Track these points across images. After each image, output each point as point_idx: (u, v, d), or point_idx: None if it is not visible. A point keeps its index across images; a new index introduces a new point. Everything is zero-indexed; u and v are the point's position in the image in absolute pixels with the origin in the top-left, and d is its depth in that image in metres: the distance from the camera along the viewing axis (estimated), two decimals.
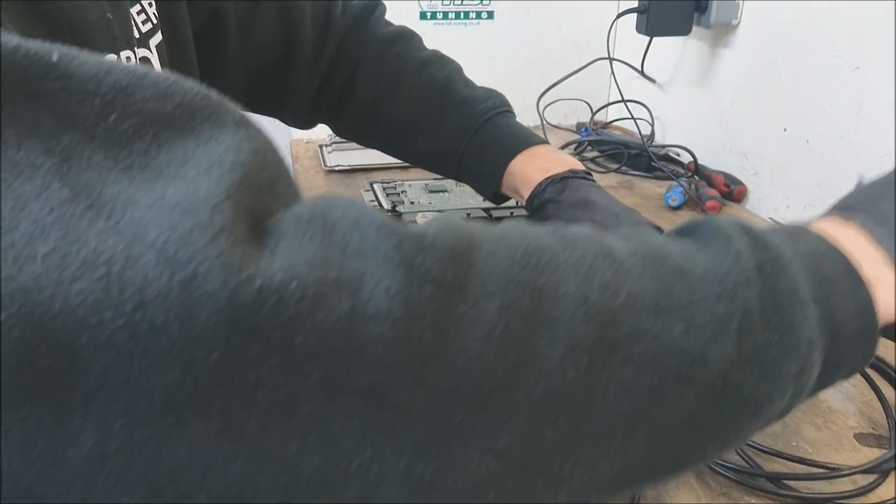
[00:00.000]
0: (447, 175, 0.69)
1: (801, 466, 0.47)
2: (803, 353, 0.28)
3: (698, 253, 0.29)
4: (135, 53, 0.40)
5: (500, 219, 0.79)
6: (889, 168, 0.39)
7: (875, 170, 0.76)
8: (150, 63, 0.46)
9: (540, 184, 0.60)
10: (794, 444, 0.50)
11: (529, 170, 0.62)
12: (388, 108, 0.66)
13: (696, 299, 0.26)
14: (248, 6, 0.62)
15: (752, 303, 0.27)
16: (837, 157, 0.81)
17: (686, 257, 0.28)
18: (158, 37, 0.47)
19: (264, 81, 0.66)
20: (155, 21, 0.47)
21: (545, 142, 0.66)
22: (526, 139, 0.64)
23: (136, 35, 0.44)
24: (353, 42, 0.66)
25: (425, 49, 0.69)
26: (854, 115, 0.78)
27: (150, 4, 0.46)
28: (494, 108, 0.64)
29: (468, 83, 0.67)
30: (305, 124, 0.72)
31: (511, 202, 0.83)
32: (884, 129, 0.74)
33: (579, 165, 0.64)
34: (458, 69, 0.69)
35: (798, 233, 0.33)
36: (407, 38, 0.68)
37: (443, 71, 0.66)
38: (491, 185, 0.65)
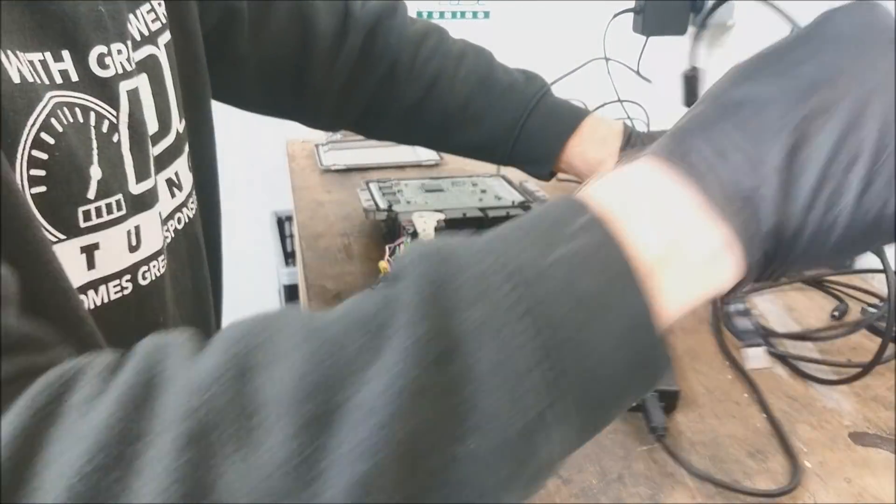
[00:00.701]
0: (496, 162, 0.73)
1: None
2: (519, 446, 0.23)
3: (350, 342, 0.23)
4: (127, 47, 0.40)
5: (496, 219, 0.79)
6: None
7: None
8: (158, 60, 0.46)
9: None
10: (787, 444, 0.50)
11: (587, 151, 0.67)
12: (433, 104, 0.67)
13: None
14: (261, 5, 0.62)
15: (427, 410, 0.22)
16: None
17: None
18: (167, 35, 0.47)
19: (282, 81, 0.66)
20: (164, 20, 0.47)
21: (587, 112, 0.71)
22: (572, 118, 0.67)
23: (146, 32, 0.44)
24: (383, 40, 0.66)
25: (456, 40, 0.70)
26: None
27: (159, 4, 0.46)
28: (538, 91, 0.67)
29: (505, 69, 0.70)
30: (331, 125, 0.72)
31: (507, 202, 0.84)
32: None
33: (619, 126, 0.69)
34: (491, 56, 0.71)
35: (561, 226, 0.25)
36: (436, 32, 0.69)
37: (480, 60, 0.68)
38: (546, 168, 0.70)
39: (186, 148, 0.50)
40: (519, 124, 0.66)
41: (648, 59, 1.15)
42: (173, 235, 0.48)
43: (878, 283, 0.74)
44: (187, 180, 0.50)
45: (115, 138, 0.39)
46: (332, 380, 0.22)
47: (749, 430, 0.52)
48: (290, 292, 1.60)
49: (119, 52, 0.39)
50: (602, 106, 1.27)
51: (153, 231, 0.42)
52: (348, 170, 1.05)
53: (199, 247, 0.53)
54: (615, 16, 1.09)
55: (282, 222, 1.84)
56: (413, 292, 0.23)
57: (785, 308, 0.69)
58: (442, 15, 1.22)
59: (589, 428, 0.26)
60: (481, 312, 0.23)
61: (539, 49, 1.28)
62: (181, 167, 0.49)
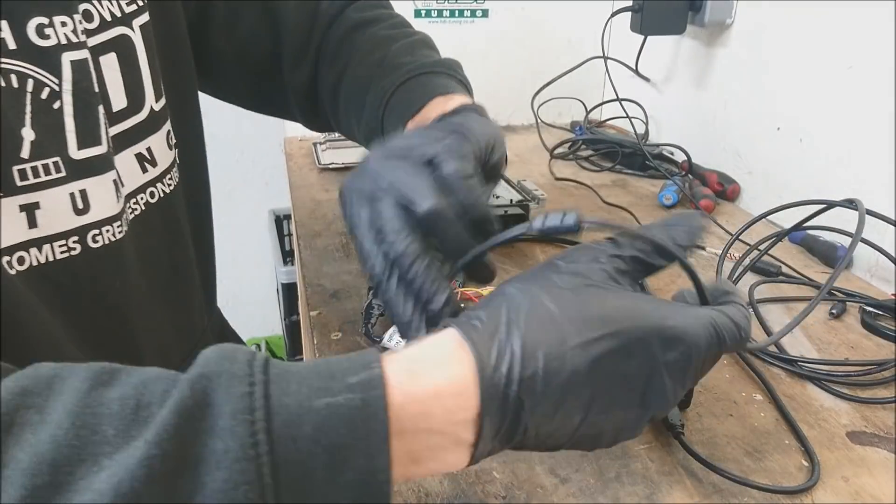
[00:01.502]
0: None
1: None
2: None
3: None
4: (74, 20, 0.42)
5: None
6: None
7: (872, 170, 0.76)
8: (130, 40, 0.47)
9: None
10: (786, 442, 0.50)
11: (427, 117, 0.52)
12: (340, 89, 0.62)
13: None
14: (233, 4, 0.62)
15: None
16: (831, 156, 0.81)
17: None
18: (144, 17, 0.49)
19: (263, 80, 0.66)
20: (142, 3, 0.48)
21: (466, 94, 0.56)
22: (434, 90, 0.54)
23: (118, 14, 0.46)
24: (345, 33, 0.63)
25: (402, 28, 0.64)
26: (848, 115, 0.78)
27: None
28: (419, 69, 0.57)
29: (415, 52, 0.60)
30: (318, 125, 0.69)
31: (505, 200, 0.83)
32: (878, 128, 0.74)
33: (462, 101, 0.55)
34: (419, 42, 0.62)
35: (344, 375, 0.28)
36: (387, 18, 0.64)
37: (393, 44, 0.60)
38: None
39: (166, 126, 0.52)
40: (384, 103, 0.56)
41: (647, 57, 1.15)
42: (143, 208, 0.50)
43: (877, 283, 0.74)
44: (164, 157, 0.52)
45: (55, 105, 0.41)
46: (74, 458, 0.24)
47: (747, 429, 0.52)
48: (288, 291, 1.59)
49: (63, 24, 0.41)
50: (601, 105, 1.27)
51: (105, 197, 0.44)
52: (346, 168, 1.05)
53: (178, 223, 0.54)
54: (613, 14, 1.09)
55: (280, 221, 1.84)
56: (174, 410, 0.25)
57: (784, 309, 0.69)
58: (441, 13, 1.22)
59: None
60: (223, 445, 0.25)
61: (538, 48, 1.28)
62: (156, 143, 0.50)
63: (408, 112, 0.53)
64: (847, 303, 0.69)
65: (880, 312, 0.66)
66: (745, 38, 0.95)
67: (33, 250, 0.40)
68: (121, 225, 0.46)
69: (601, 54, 1.16)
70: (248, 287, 1.94)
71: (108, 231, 0.44)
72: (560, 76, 1.20)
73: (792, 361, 0.59)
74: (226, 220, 1.89)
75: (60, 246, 0.42)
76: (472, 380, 0.29)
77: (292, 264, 1.67)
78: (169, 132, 0.53)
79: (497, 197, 0.85)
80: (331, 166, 1.05)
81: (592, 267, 0.34)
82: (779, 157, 0.90)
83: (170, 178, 0.53)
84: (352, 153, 1.12)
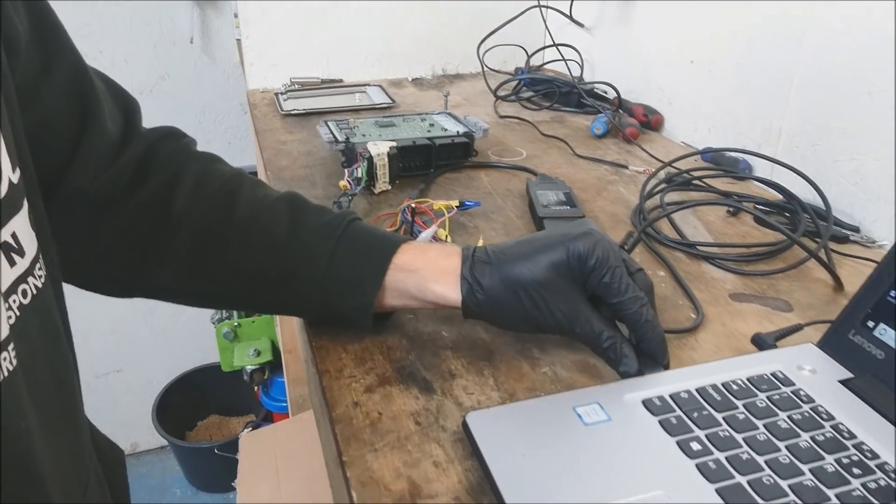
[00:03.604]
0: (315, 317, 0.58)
1: None
2: None
3: None
4: None
5: (442, 146, 0.89)
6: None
7: (770, 93, 0.88)
8: None
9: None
10: (680, 302, 0.62)
11: (429, 256, 0.53)
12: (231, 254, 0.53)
13: None
14: (35, 73, 0.46)
15: None
16: (735, 82, 0.93)
17: None
18: None
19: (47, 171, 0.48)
20: None
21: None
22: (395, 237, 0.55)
23: None
24: (170, 158, 0.55)
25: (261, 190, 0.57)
26: (744, 43, 0.90)
27: None
28: (346, 216, 0.55)
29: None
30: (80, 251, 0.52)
31: (452, 132, 0.93)
32: (775, 55, 0.86)
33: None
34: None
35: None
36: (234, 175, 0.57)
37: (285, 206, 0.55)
38: (372, 290, 0.52)
39: (25, 203, 0.38)
40: (329, 251, 0.53)
41: (581, 4, 1.25)
42: (18, 314, 0.35)
43: (766, 187, 0.86)
44: (30, 242, 0.38)
45: None
46: None
47: None
48: None
49: None
50: (541, 49, 1.37)
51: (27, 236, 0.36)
52: (308, 114, 1.13)
53: (54, 323, 0.40)
54: None
55: None
56: None
57: (690, 211, 0.81)
58: None
59: None
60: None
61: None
62: (20, 227, 0.37)
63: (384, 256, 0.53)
64: (743, 204, 0.81)
65: (770, 210, 0.78)
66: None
67: None
68: (13, 347, 0.34)
69: (537, 3, 1.25)
70: None
71: (4, 359, 0.33)
72: (502, 25, 1.29)
73: (691, 245, 0.71)
74: None
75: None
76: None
77: None
78: (29, 210, 0.38)
79: (445, 130, 0.94)
80: (293, 112, 1.13)
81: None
82: (693, 88, 1.01)
83: (40, 269, 0.39)
84: (312, 102, 1.20)
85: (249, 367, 1.83)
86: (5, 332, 0.33)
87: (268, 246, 0.53)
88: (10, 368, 0.34)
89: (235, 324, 1.83)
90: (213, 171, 0.56)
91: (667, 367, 0.50)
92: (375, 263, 0.52)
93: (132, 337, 2.18)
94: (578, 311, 0.50)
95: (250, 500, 1.15)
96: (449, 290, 0.51)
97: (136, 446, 2.34)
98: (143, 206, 0.53)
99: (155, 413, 2.10)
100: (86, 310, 1.72)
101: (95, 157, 0.51)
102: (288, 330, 1.51)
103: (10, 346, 0.34)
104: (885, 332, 0.48)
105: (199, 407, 2.28)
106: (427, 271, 0.52)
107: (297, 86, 1.28)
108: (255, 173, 1.73)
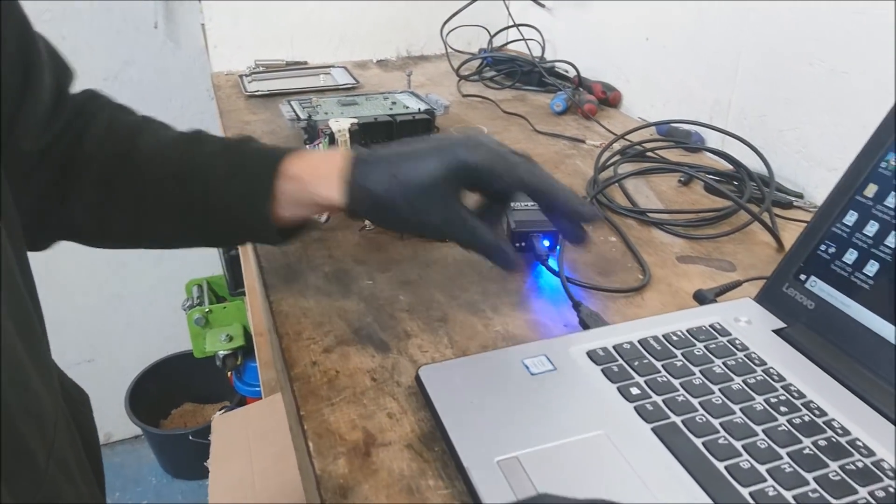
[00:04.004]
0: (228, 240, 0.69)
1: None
2: None
3: None
4: None
5: (403, 123, 0.90)
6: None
7: (720, 66, 0.90)
8: None
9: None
10: (629, 265, 0.65)
11: (313, 162, 0.54)
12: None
13: None
14: None
15: None
16: (687, 57, 0.95)
17: None
18: None
19: None
20: None
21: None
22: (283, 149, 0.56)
23: None
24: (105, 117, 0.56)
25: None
26: (695, 19, 0.92)
27: None
28: (245, 140, 0.58)
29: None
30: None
31: (414, 109, 0.95)
32: (724, 30, 0.88)
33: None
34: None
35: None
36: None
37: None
38: (264, 202, 0.53)
39: None
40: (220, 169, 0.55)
41: None
42: None
43: (716, 157, 0.89)
44: None
45: None
46: None
47: (601, 259, 0.66)
48: None
49: None
50: (504, 29, 1.38)
51: None
52: (271, 95, 1.14)
53: (12, 276, 0.40)
54: None
55: None
56: None
57: (643, 179, 0.83)
58: None
59: None
60: None
61: None
62: None
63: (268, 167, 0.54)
64: (696, 176, 0.83)
65: (720, 179, 0.81)
66: None
67: None
68: None
69: None
70: None
71: None
72: (465, 6, 1.31)
73: (642, 212, 0.73)
74: None
75: None
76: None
77: None
78: None
79: (407, 107, 0.96)
80: (257, 93, 1.14)
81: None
82: (649, 64, 1.04)
83: None
84: (275, 83, 1.21)
85: (222, 353, 1.84)
86: None
87: (170, 176, 0.55)
88: None
89: (206, 310, 1.83)
90: (122, 116, 0.58)
91: (592, 217, 0.52)
92: (263, 177, 0.54)
93: (103, 326, 2.16)
94: (460, 217, 0.51)
95: (223, 478, 1.16)
96: (332, 192, 0.52)
97: (109, 436, 2.33)
98: (61, 152, 0.54)
99: (128, 402, 2.10)
100: (55, 300, 1.71)
101: (31, 124, 0.51)
102: (259, 314, 1.52)
103: None
104: (815, 284, 0.51)
105: (173, 395, 2.27)
106: (311, 176, 0.53)
107: (261, 68, 1.28)
108: None
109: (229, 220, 0.55)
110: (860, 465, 0.40)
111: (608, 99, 1.10)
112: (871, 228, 0.48)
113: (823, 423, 0.43)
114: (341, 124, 0.83)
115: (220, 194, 0.54)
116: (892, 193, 0.48)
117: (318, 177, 0.53)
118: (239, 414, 1.38)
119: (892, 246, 0.47)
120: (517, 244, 0.65)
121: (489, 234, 0.52)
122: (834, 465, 0.40)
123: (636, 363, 0.47)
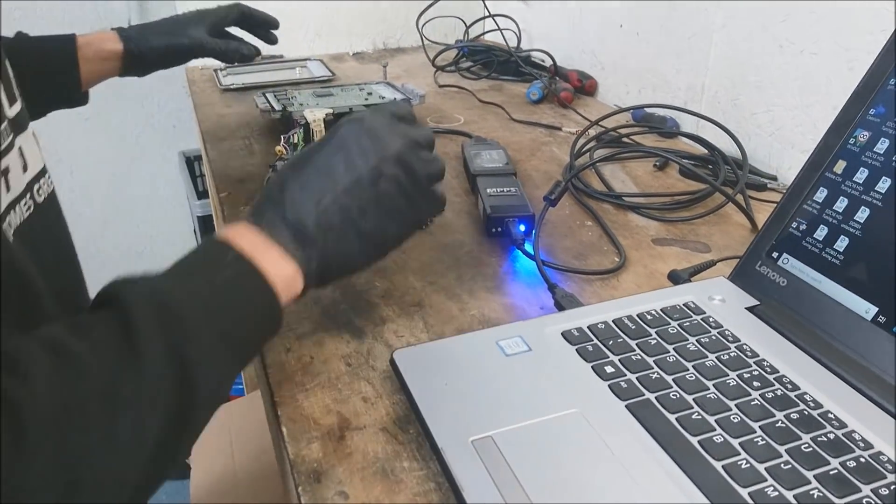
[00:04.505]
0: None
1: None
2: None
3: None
4: None
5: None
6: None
7: (693, 51, 0.91)
8: None
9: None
10: (605, 248, 0.65)
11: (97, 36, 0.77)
12: None
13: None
14: None
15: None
16: (660, 43, 0.96)
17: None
18: None
19: None
20: None
21: None
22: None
23: None
24: None
25: None
26: (667, 4, 0.93)
27: None
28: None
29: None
30: None
31: (389, 99, 0.94)
32: (695, 15, 0.89)
33: None
34: None
35: (220, 258, 0.39)
36: None
37: None
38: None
39: (29, 127, 0.47)
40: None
41: None
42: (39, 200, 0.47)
43: (691, 142, 0.90)
44: (35, 160, 0.47)
45: None
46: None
47: (577, 242, 0.66)
48: (204, 224, 1.66)
49: None
50: (480, 20, 1.38)
51: (33, 150, 0.46)
52: (247, 88, 1.13)
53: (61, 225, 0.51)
54: None
55: (191, 162, 1.88)
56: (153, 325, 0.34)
57: (619, 165, 0.83)
58: None
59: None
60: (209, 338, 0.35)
61: None
62: (26, 144, 0.46)
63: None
64: (671, 159, 0.84)
65: (694, 163, 0.81)
66: None
67: (11, 214, 0.42)
68: (49, 176, 0.47)
69: None
70: (165, 229, 1.99)
71: (44, 184, 0.46)
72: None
73: (618, 196, 0.73)
74: (136, 166, 1.93)
75: (25, 205, 0.43)
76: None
77: (207, 198, 1.73)
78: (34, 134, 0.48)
79: (382, 97, 0.95)
80: (231, 87, 1.13)
81: None
82: (623, 51, 1.04)
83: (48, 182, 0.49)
84: (249, 77, 1.20)
85: None
86: (41, 164, 0.47)
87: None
88: (49, 191, 0.47)
89: None
90: None
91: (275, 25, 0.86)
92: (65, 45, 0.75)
93: None
94: (198, 38, 0.81)
95: (205, 474, 1.15)
96: (110, 44, 0.77)
97: None
98: None
99: None
100: None
101: None
102: None
103: (48, 175, 0.47)
104: (787, 262, 0.51)
105: None
106: (94, 39, 0.77)
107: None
108: (200, 157, 1.72)
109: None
110: (832, 436, 0.40)
111: (584, 87, 1.10)
112: (841, 204, 0.49)
113: (795, 396, 0.43)
114: (316, 114, 0.82)
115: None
116: (861, 169, 0.48)
117: (100, 39, 0.78)
118: (221, 411, 1.37)
119: (862, 222, 0.47)
120: (493, 229, 0.65)
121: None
122: (806, 438, 0.40)
123: (610, 342, 0.47)
